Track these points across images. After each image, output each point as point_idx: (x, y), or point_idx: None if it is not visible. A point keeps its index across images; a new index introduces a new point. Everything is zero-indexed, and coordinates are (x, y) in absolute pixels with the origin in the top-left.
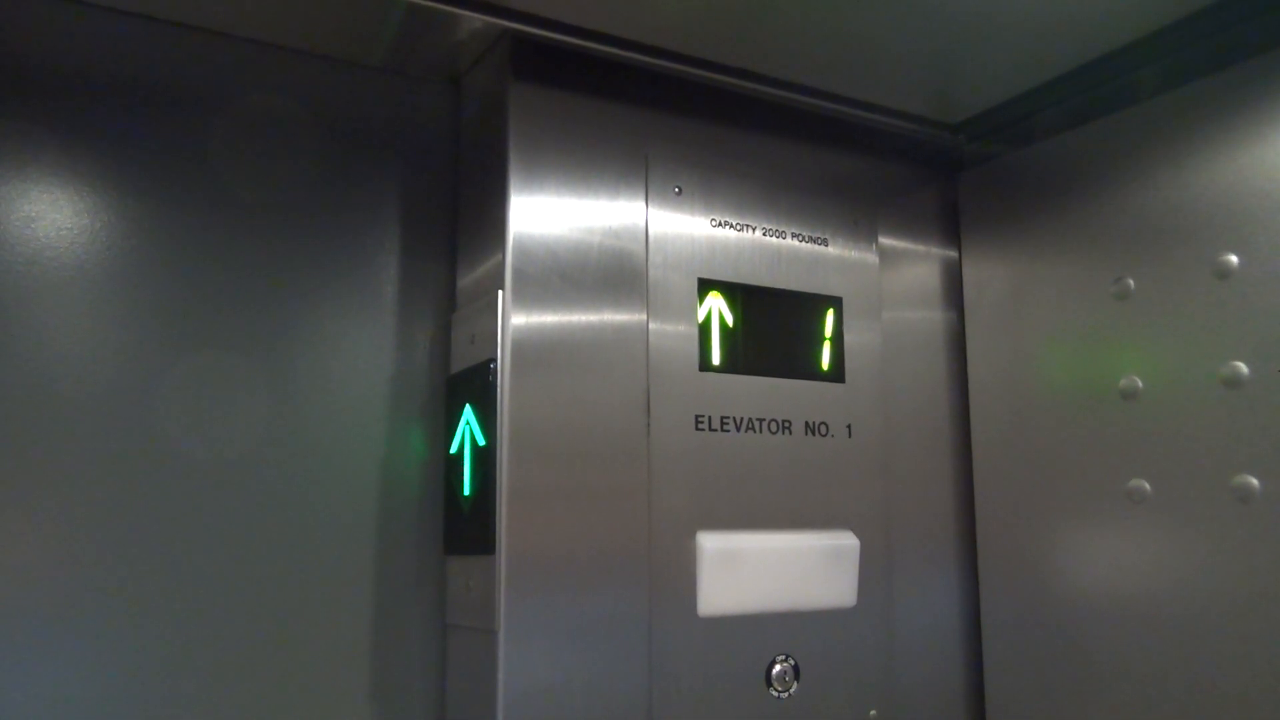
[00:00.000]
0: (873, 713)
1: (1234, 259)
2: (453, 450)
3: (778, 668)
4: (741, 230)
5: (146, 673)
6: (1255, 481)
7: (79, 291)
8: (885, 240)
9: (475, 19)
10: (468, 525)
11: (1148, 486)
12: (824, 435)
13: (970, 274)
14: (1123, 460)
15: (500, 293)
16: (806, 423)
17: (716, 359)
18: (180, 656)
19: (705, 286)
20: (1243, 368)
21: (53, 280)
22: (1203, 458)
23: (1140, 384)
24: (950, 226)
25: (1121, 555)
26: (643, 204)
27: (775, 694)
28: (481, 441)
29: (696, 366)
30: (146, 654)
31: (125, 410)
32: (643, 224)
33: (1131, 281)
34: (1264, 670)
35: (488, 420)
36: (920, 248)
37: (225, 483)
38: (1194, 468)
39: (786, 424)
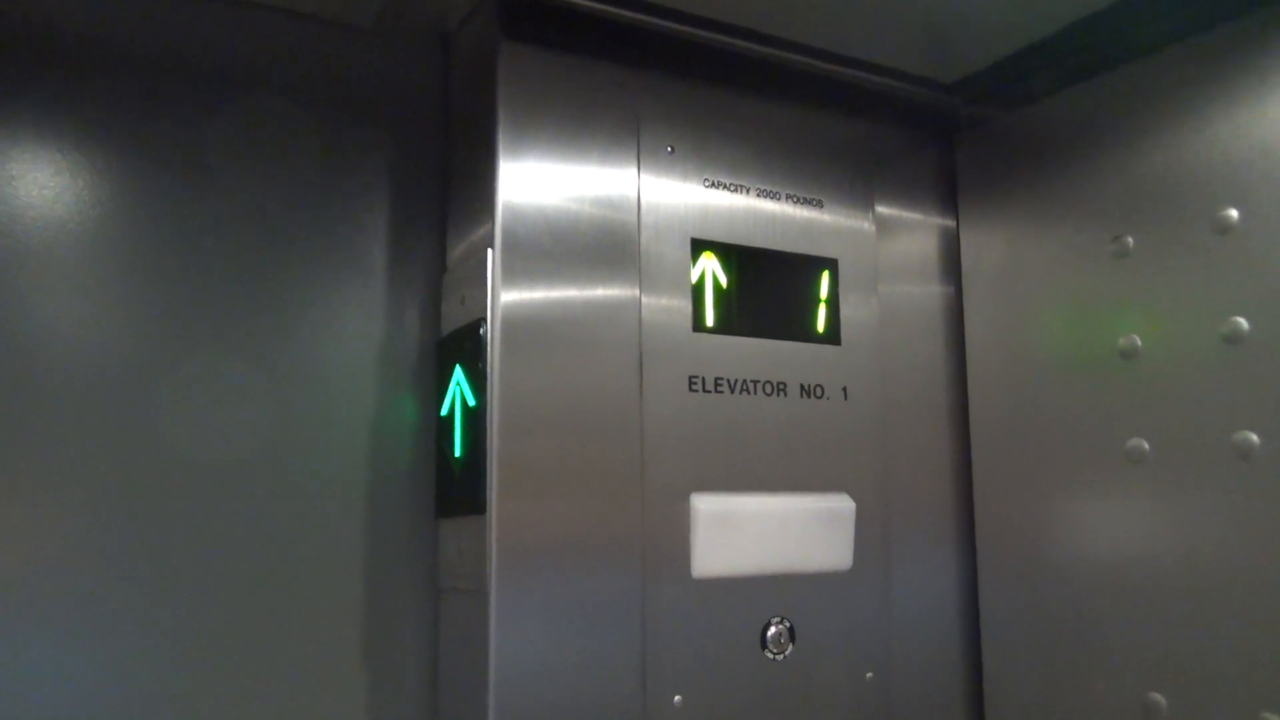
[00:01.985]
0: (869, 675)
1: (1234, 214)
2: (443, 413)
3: (773, 630)
4: (735, 191)
5: (133, 643)
6: (1255, 438)
7: (60, 255)
8: (882, 209)
9: None
10: (459, 487)
11: (1146, 446)
12: (820, 398)
13: (968, 238)
14: (1121, 420)
15: (490, 251)
16: (802, 385)
17: (710, 320)
18: (170, 623)
19: (698, 247)
20: (1243, 323)
21: (34, 243)
22: (1202, 415)
23: (1139, 343)
24: (947, 192)
25: (1120, 516)
26: (635, 163)
27: (770, 656)
28: (472, 403)
29: (690, 327)
30: (132, 625)
31: (109, 378)
32: (635, 183)
33: (1131, 240)
34: (1265, 629)
35: (478, 381)
36: (917, 215)
37: (215, 451)
38: (1193, 426)
39: (782, 386)
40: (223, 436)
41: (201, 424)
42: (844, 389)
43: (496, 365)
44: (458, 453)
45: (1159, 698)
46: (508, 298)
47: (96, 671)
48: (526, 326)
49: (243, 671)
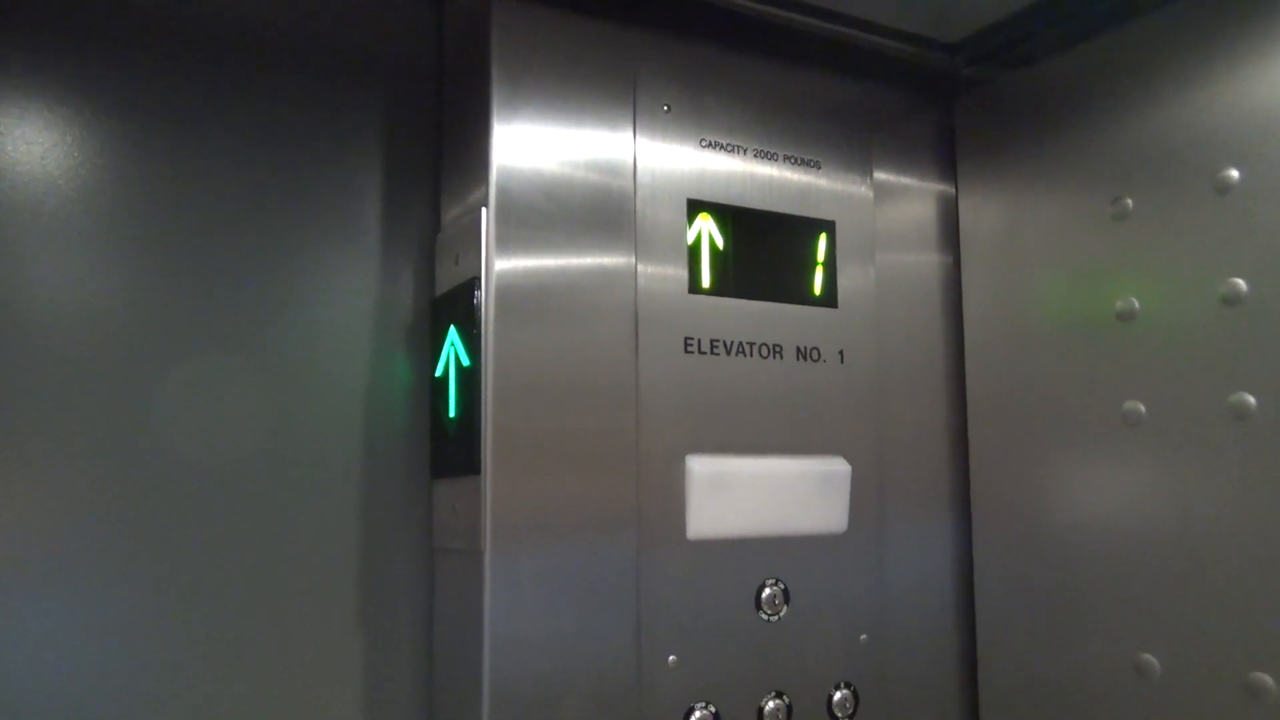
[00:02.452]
0: (863, 637)
1: (1235, 174)
2: (438, 373)
3: (767, 591)
4: (732, 151)
5: (128, 604)
6: (1252, 399)
7: (49, 210)
8: (881, 173)
9: None
10: (453, 447)
11: (1143, 409)
12: (816, 361)
13: (966, 201)
14: (1118, 383)
15: (484, 211)
16: (798, 348)
17: (706, 281)
18: (164, 584)
19: (695, 208)
20: (1242, 284)
21: (22, 198)
22: (1199, 377)
23: (1137, 305)
24: (947, 156)
25: (1115, 479)
26: (630, 123)
27: (765, 617)
28: (466, 362)
29: (686, 289)
30: (126, 587)
31: (97, 336)
32: (630, 143)
33: (1130, 201)
34: (1258, 589)
35: (472, 342)
36: (916, 180)
37: (209, 412)
38: (1190, 387)
39: (778, 348)
40: (216, 397)
41: (194, 384)
42: (840, 352)
43: (491, 325)
44: (452, 413)
45: (1151, 658)
46: (502, 258)
47: (89, 632)
48: (521, 287)
49: (238, 632)
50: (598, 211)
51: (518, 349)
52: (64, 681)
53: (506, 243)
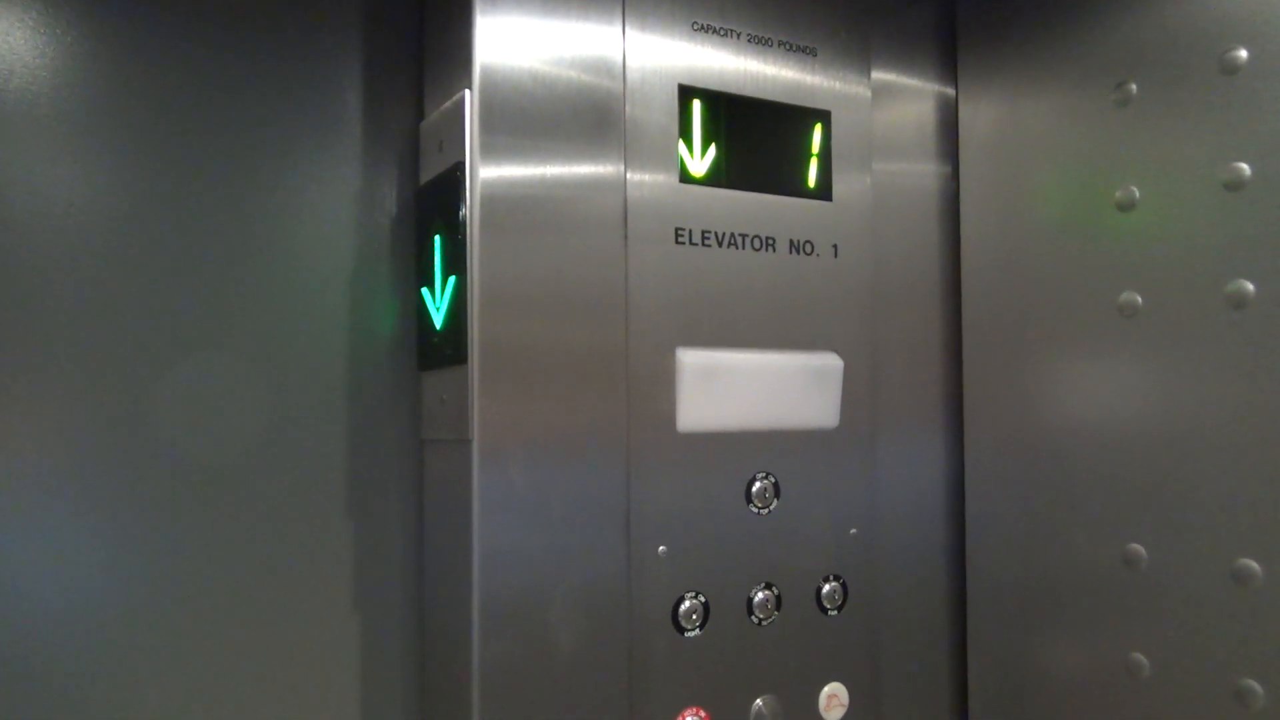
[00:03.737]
0: (853, 531)
1: (1243, 54)
2: (424, 264)
3: (758, 485)
4: (725, 35)
5: (116, 505)
6: (1251, 286)
7: (31, 112)
8: (880, 74)
9: None
10: (441, 339)
11: (1139, 299)
12: (809, 254)
13: (966, 94)
14: (1115, 274)
15: (467, 92)
16: (791, 241)
17: (697, 170)
18: (154, 475)
19: (686, 95)
20: (1245, 169)
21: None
22: (1198, 264)
23: (1138, 193)
24: (947, 54)
25: (1110, 371)
26: (619, 2)
27: (755, 510)
28: (453, 254)
29: (677, 178)
30: (122, 484)
31: (83, 236)
32: (620, 24)
33: (1134, 86)
34: (1249, 476)
35: (458, 229)
36: (915, 81)
37: (192, 309)
38: (1189, 276)
39: (770, 241)
40: (199, 294)
41: (177, 282)
42: (834, 246)
43: (477, 212)
44: (440, 304)
45: (1139, 548)
46: (486, 141)
47: (78, 532)
48: (507, 177)
49: (227, 527)
50: (587, 97)
51: (505, 236)
52: (55, 594)
53: (491, 126)
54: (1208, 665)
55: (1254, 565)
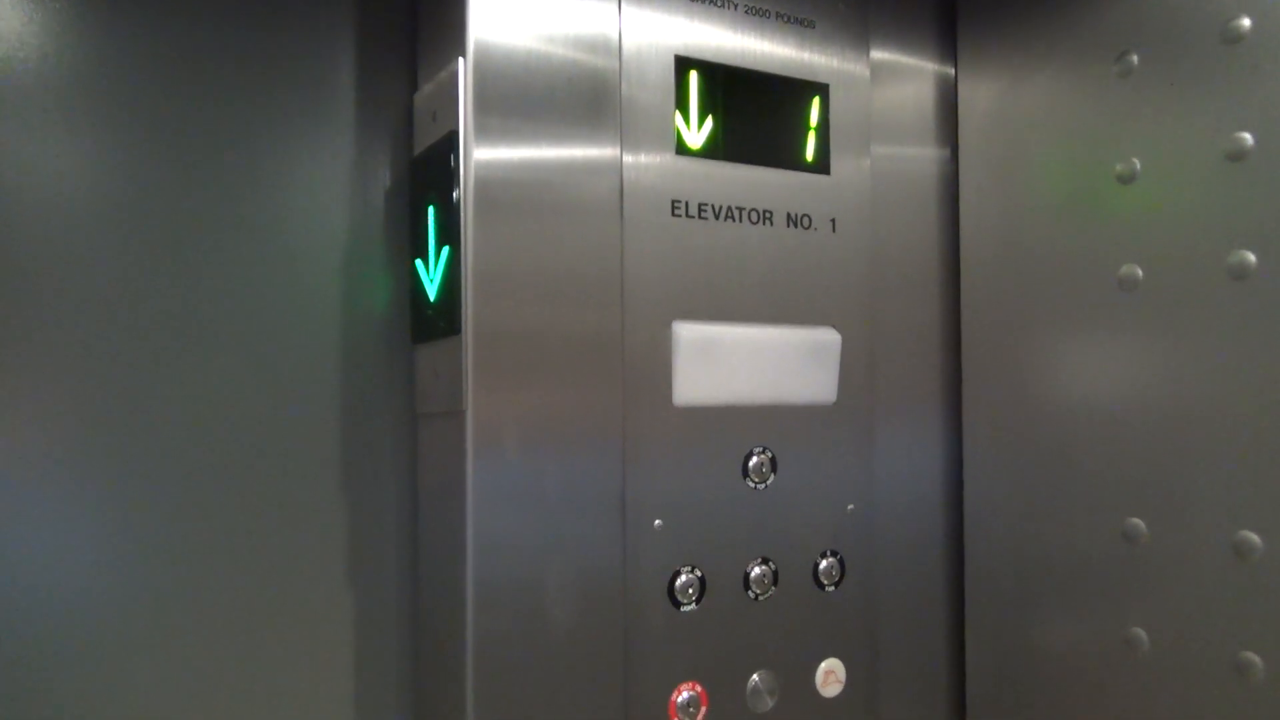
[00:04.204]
0: (850, 507)
1: (1246, 22)
2: (418, 236)
3: (755, 460)
4: (722, 7)
5: (115, 475)
6: (1252, 257)
7: (24, 85)
8: (878, 53)
9: None
10: (435, 311)
11: (1140, 273)
12: (807, 228)
13: (966, 69)
14: (1115, 247)
15: (461, 60)
16: (789, 214)
17: (694, 142)
18: (147, 449)
19: (683, 66)
20: (1248, 138)
21: None
22: (1199, 236)
23: (1138, 166)
24: (946, 32)
25: (1109, 346)
26: None
27: (752, 485)
28: (446, 227)
29: (674, 150)
30: (117, 458)
31: (76, 211)
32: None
33: (1136, 57)
34: (1248, 450)
35: (452, 200)
36: (913, 60)
37: (186, 281)
38: (1190, 247)
39: (768, 214)
40: (194, 266)
41: (171, 254)
42: (832, 220)
43: (470, 183)
44: (433, 277)
45: (1139, 522)
46: (480, 110)
47: (71, 503)
48: (501, 145)
49: (221, 501)
50: (582, 69)
51: (499, 206)
52: (52, 570)
53: (485, 94)
54: (1207, 639)
55: (1254, 538)
